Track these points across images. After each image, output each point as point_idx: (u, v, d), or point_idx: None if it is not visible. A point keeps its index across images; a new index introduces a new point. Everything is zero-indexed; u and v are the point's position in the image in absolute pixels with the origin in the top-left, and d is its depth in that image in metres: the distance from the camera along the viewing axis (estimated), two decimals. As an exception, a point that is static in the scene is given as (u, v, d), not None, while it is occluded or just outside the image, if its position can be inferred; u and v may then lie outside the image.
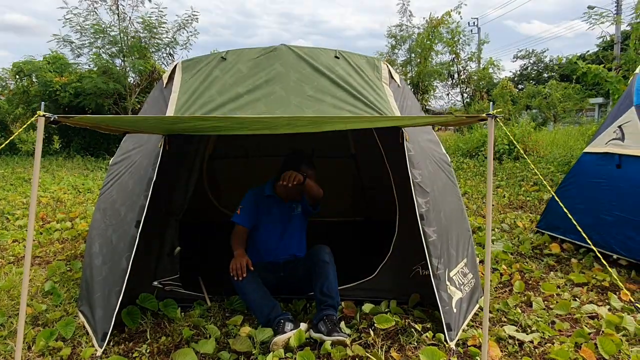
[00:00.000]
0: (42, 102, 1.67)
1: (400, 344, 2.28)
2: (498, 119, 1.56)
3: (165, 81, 3.14)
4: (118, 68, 10.43)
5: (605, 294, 2.96)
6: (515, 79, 39.45)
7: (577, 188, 3.97)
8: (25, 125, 1.60)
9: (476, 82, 15.60)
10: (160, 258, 2.90)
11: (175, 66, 3.14)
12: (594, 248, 2.28)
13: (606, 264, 2.31)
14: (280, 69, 2.91)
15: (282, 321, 2.31)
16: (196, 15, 10.78)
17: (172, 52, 11.31)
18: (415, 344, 2.28)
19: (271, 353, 2.13)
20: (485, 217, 5.26)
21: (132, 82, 11.01)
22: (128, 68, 10.54)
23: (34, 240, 4.20)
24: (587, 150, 3.93)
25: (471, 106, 15.90)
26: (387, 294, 2.81)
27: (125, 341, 2.30)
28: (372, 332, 2.36)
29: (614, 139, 3.64)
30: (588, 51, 26.19)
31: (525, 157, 2.35)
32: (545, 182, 2.20)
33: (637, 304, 2.55)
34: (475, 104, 16.40)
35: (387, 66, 3.25)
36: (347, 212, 4.96)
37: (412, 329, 2.37)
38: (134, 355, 2.17)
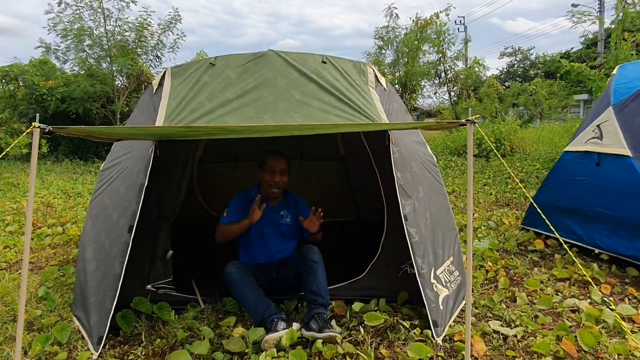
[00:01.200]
0: (37, 114, 1.71)
1: (389, 341, 2.36)
2: (476, 125, 1.64)
3: (155, 87, 3.19)
4: (105, 71, 10.38)
5: (586, 288, 3.06)
6: (502, 76, 39.93)
7: (559, 186, 4.09)
8: (21, 136, 1.64)
9: (463, 81, 15.77)
10: (153, 262, 2.94)
11: (165, 72, 3.19)
12: (567, 248, 2.37)
13: (574, 262, 2.41)
14: (268, 75, 2.97)
15: (275, 320, 2.37)
16: (179, 17, 10.78)
17: (159, 55, 11.29)
18: (404, 340, 2.35)
19: (264, 352, 2.19)
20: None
21: (119, 84, 10.97)
22: (115, 70, 10.50)
23: (22, 246, 4.20)
24: (567, 149, 4.05)
25: (458, 104, 16.08)
26: (376, 292, 2.89)
27: (120, 344, 2.35)
28: (362, 330, 2.43)
29: (592, 138, 3.76)
30: (572, 48, 26.56)
31: (501, 159, 2.44)
32: (517, 179, 2.28)
33: (606, 298, 2.64)
34: (462, 102, 16.59)
35: (373, 70, 3.32)
36: (337, 213, 5.03)
37: (401, 326, 2.45)
38: (129, 358, 2.22)
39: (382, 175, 3.02)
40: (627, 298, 2.89)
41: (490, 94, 18.52)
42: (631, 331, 2.41)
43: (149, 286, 2.86)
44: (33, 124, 1.56)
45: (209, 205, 4.80)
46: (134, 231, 2.51)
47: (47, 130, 1.58)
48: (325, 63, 3.14)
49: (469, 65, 17.94)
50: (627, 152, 3.38)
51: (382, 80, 3.39)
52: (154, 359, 2.23)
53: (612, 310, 2.48)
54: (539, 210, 2.43)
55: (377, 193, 3.09)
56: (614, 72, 4.11)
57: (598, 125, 3.76)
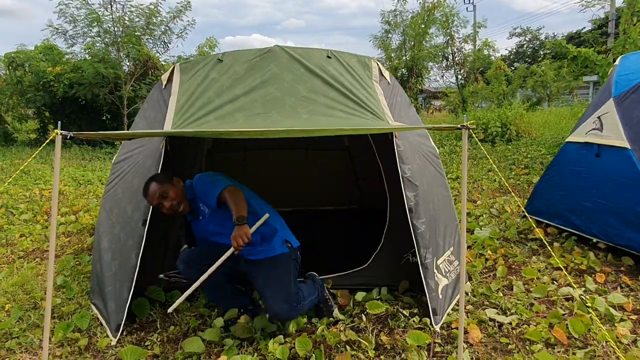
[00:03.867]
0: (60, 122, 1.81)
1: (389, 328, 2.49)
2: (471, 131, 1.72)
3: (164, 82, 3.28)
4: (113, 57, 10.44)
5: (582, 277, 3.17)
6: (511, 57, 39.40)
7: (560, 175, 4.16)
8: (45, 144, 1.75)
9: (471, 64, 15.64)
10: (166, 252, 3.09)
11: (174, 68, 3.28)
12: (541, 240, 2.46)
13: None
14: (275, 70, 3.05)
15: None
16: (189, 5, 10.78)
17: (166, 41, 11.30)
18: (403, 327, 2.49)
19: (272, 339, 2.33)
20: (474, 202, 5.46)
21: (126, 70, 11.03)
22: (123, 56, 10.56)
23: (39, 234, 4.36)
24: (569, 139, 4.10)
25: (465, 88, 15.98)
26: (378, 281, 3.01)
27: (137, 331, 2.50)
28: (364, 318, 2.57)
29: (593, 129, 3.81)
30: (584, 28, 26.09)
31: (490, 158, 2.51)
32: (503, 178, 2.36)
33: (583, 296, 2.74)
34: (469, 86, 16.47)
35: (378, 64, 3.39)
36: (341, 201, 5.15)
37: (401, 314, 2.58)
38: (146, 344, 2.37)
39: (385, 167, 3.12)
40: (619, 287, 3.00)
41: (498, 77, 18.36)
42: (621, 319, 2.52)
43: (161, 275, 3.01)
44: (55, 130, 1.66)
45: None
46: (147, 224, 2.64)
47: (68, 137, 1.68)
48: (330, 58, 3.21)
49: (477, 48, 17.74)
50: (626, 144, 3.44)
51: (386, 74, 3.45)
52: (168, 344, 2.38)
53: (587, 307, 2.57)
54: (529, 217, 2.47)
55: (380, 182, 3.19)
56: (617, 62, 4.14)
57: (599, 117, 3.81)
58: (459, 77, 15.97)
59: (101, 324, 2.54)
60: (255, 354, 2.27)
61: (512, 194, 4.10)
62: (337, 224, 4.68)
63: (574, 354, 2.21)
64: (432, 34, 13.55)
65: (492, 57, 20.07)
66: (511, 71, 21.18)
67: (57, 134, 1.66)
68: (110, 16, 10.26)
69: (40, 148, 1.79)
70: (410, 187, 2.78)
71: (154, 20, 10.61)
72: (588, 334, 2.38)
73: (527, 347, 2.28)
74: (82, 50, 11.09)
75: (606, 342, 2.28)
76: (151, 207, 2.67)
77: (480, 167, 7.86)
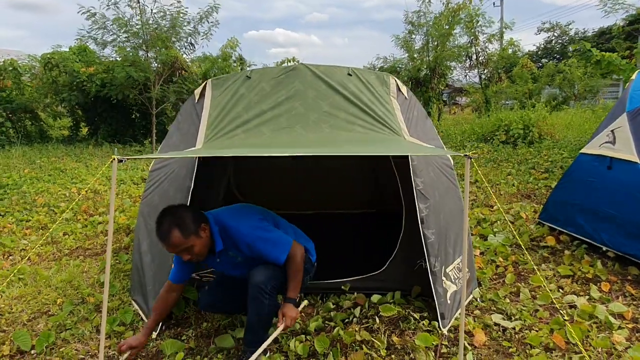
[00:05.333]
0: (116, 149, 2.09)
1: (400, 330, 2.72)
2: (472, 160, 1.92)
3: (197, 96, 3.57)
4: (142, 59, 10.87)
5: (588, 285, 3.33)
6: (539, 53, 38.69)
7: (574, 185, 4.29)
8: (105, 167, 2.02)
9: (495, 63, 15.56)
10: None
11: (206, 84, 3.56)
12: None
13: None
14: (299, 87, 3.30)
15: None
16: (218, 7, 11.09)
17: (192, 42, 11.68)
18: (413, 329, 2.71)
19: (293, 338, 2.59)
20: (491, 207, 5.61)
21: (154, 71, 11.46)
22: (152, 59, 10.97)
23: (81, 233, 4.73)
24: (583, 151, 4.23)
25: (489, 88, 15.92)
26: (392, 285, 3.23)
27: (174, 326, 2.80)
28: (377, 319, 2.80)
29: (606, 142, 3.94)
30: (615, 24, 25.44)
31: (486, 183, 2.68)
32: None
33: (560, 316, 2.87)
34: (492, 86, 16.40)
35: (395, 80, 3.60)
36: (357, 205, 5.37)
37: (412, 317, 2.81)
38: (182, 338, 2.66)
39: (402, 178, 3.33)
40: (623, 296, 3.15)
41: (523, 75, 18.18)
42: (619, 327, 2.69)
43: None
44: (112, 156, 1.94)
45: (244, 198, 5.21)
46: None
47: (123, 161, 1.96)
48: (350, 75, 3.44)
49: (502, 47, 17.60)
50: (636, 159, 3.56)
51: (403, 89, 3.66)
52: (202, 339, 2.67)
53: (565, 321, 2.70)
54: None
55: (395, 188, 3.39)
56: (633, 77, 4.23)
57: (612, 131, 3.93)
58: (482, 76, 15.91)
59: (142, 319, 2.84)
60: (278, 352, 2.53)
61: (528, 200, 4.23)
62: (353, 228, 4.91)
63: (570, 358, 2.40)
64: (456, 34, 13.56)
65: (519, 54, 19.85)
66: (538, 68, 20.92)
67: (113, 158, 1.94)
68: (139, 19, 10.67)
69: (99, 174, 2.06)
70: (422, 199, 2.99)
71: (180, 22, 10.97)
72: (586, 340, 2.56)
73: (527, 351, 2.48)
74: (113, 53, 11.57)
75: (601, 348, 2.45)
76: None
77: (500, 171, 7.95)
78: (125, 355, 2.28)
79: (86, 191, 6.52)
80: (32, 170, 8.18)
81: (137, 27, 10.53)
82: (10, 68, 12.41)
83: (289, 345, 2.52)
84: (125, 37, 10.62)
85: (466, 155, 1.91)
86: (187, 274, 2.54)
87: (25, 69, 13.09)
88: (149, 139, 11.76)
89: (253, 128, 3.13)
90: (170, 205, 2.36)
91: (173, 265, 2.54)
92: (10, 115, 12.30)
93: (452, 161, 3.78)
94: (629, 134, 3.73)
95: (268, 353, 2.48)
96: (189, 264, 2.46)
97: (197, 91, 3.62)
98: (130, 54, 10.91)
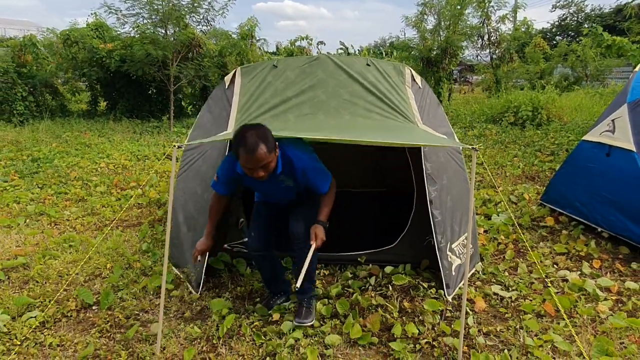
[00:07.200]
0: (175, 145, 2.42)
1: (411, 297, 3.11)
2: (478, 152, 2.23)
3: (227, 83, 3.89)
4: (161, 37, 11.09)
5: (580, 262, 3.67)
6: (554, 30, 38.12)
7: (574, 169, 4.59)
8: (165, 155, 2.37)
9: (507, 44, 15.56)
10: (228, 227, 3.76)
11: (235, 71, 3.88)
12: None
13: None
14: (321, 76, 3.61)
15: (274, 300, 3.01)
16: (232, -17, 11.22)
17: (209, 19, 11.83)
18: (422, 297, 3.10)
19: (318, 301, 2.98)
20: (496, 189, 5.93)
21: (172, 49, 11.67)
22: (171, 37, 11.18)
23: (116, 205, 5.14)
24: (584, 138, 4.51)
25: (500, 68, 15.95)
26: (404, 258, 3.61)
27: (213, 288, 3.22)
28: (390, 287, 3.19)
29: (606, 131, 4.22)
30: (627, 3, 24.98)
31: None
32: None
33: (554, 284, 3.23)
34: (504, 66, 16.40)
35: (410, 70, 3.89)
36: (370, 184, 5.72)
37: (421, 286, 3.19)
38: (221, 299, 3.06)
39: (414, 162, 3.66)
40: (612, 272, 3.50)
41: (535, 56, 18.12)
42: (605, 299, 3.05)
43: (226, 245, 3.70)
44: (173, 144, 2.29)
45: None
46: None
47: (181, 147, 2.30)
48: (369, 65, 3.74)
49: (515, 27, 17.50)
50: (633, 147, 3.85)
51: (418, 78, 3.95)
52: (237, 300, 3.07)
53: (556, 293, 3.08)
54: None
55: (406, 169, 3.71)
56: (636, 69, 4.47)
57: (613, 120, 4.20)
58: (494, 56, 15.94)
59: (183, 282, 3.25)
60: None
61: (532, 182, 4.53)
62: (365, 206, 5.27)
63: (557, 323, 2.77)
64: (469, 14, 13.59)
65: (533, 32, 19.68)
66: (551, 47, 20.74)
67: (174, 145, 2.29)
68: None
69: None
70: (432, 182, 3.32)
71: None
72: (573, 309, 2.93)
73: (520, 317, 2.86)
74: (132, 29, 11.78)
75: (587, 315, 2.82)
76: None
77: (507, 153, 8.22)
78: (204, 257, 2.82)
79: (114, 166, 6.92)
80: (60, 145, 8.59)
81: (157, 2, 10.69)
82: (30, 44, 12.69)
83: (315, 307, 2.92)
84: (148, 14, 10.81)
85: (473, 147, 2.23)
86: (232, 187, 2.74)
87: (45, 45, 13.38)
88: (167, 115, 12.09)
89: (280, 114, 3.46)
90: (247, 123, 2.48)
91: (217, 178, 2.69)
92: (32, 90, 12.66)
93: (460, 146, 4.09)
94: (628, 124, 4.00)
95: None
96: (232, 180, 2.67)
97: (227, 78, 3.94)
98: (151, 30, 11.12)
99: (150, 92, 13.38)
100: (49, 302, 3.01)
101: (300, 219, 2.72)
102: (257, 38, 13.63)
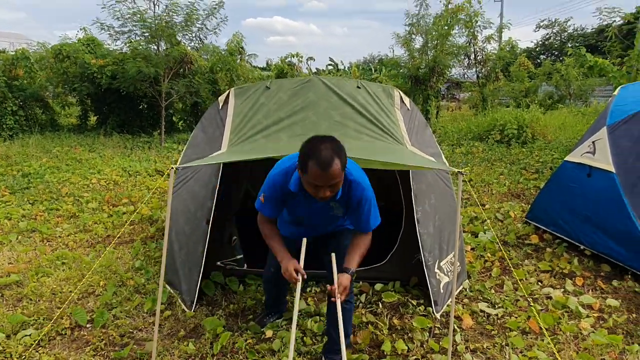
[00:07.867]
0: (172, 167, 2.50)
1: (400, 314, 3.19)
2: (464, 176, 2.35)
3: (220, 103, 3.99)
4: (153, 54, 11.19)
5: (564, 279, 3.79)
6: (538, 49, 39.09)
7: (558, 188, 4.75)
8: (165, 175, 2.44)
9: (493, 63, 15.94)
10: (221, 244, 3.82)
11: (229, 92, 3.98)
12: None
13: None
14: (313, 98, 3.72)
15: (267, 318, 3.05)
16: (222, 2, 11.41)
17: (201, 37, 11.99)
18: (411, 314, 3.18)
19: (310, 319, 3.05)
20: (483, 206, 6.07)
21: (164, 66, 11.77)
22: (163, 54, 11.29)
23: (108, 222, 5.16)
24: (567, 158, 4.68)
25: (486, 87, 16.31)
26: (393, 275, 3.69)
27: (206, 305, 3.26)
28: (380, 305, 3.27)
29: (587, 152, 4.39)
30: (614, 21, 25.76)
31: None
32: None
33: (538, 301, 3.35)
34: (490, 84, 16.77)
35: (399, 93, 4.02)
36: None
37: (410, 303, 3.27)
38: (214, 316, 3.11)
39: (402, 182, 3.77)
40: (593, 289, 3.62)
41: (520, 75, 18.59)
42: (587, 316, 3.17)
43: (218, 262, 3.75)
44: (170, 166, 2.37)
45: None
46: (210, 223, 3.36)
47: (179, 169, 2.38)
48: (359, 88, 3.87)
49: (500, 47, 17.96)
50: (612, 168, 4.02)
51: (406, 100, 4.09)
52: (230, 318, 3.13)
53: (540, 310, 3.19)
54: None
55: (395, 188, 3.80)
56: (615, 92, 4.67)
57: (593, 142, 4.38)
58: (480, 75, 16.31)
59: (176, 301, 3.29)
60: (298, 329, 2.99)
61: (518, 199, 4.66)
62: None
63: (542, 340, 2.87)
64: (455, 34, 13.93)
65: (517, 50, 20.18)
66: (535, 66, 21.26)
67: (171, 167, 2.37)
68: (153, 13, 10.99)
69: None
70: (419, 202, 3.43)
71: (193, 18, 11.28)
72: (556, 326, 3.03)
73: (506, 334, 2.95)
74: (124, 45, 11.87)
75: (570, 332, 2.93)
76: (212, 208, 3.37)
77: (493, 170, 8.40)
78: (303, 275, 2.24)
79: (106, 182, 6.94)
80: (50, 160, 8.58)
81: (149, 19, 10.83)
82: (23, 57, 12.70)
83: (306, 324, 2.98)
84: (141, 32, 10.93)
85: (459, 172, 2.35)
86: (282, 208, 2.48)
87: (36, 58, 13.39)
88: (158, 130, 12.12)
89: (272, 134, 3.55)
90: (321, 134, 2.17)
91: (263, 199, 2.39)
92: (22, 104, 12.62)
93: (447, 165, 4.21)
94: (607, 146, 4.17)
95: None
96: (282, 201, 2.39)
97: (221, 98, 4.04)
98: (144, 47, 11.21)
99: (141, 107, 13.42)
100: (43, 320, 3.04)
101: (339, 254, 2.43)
102: (247, 53, 13.83)
